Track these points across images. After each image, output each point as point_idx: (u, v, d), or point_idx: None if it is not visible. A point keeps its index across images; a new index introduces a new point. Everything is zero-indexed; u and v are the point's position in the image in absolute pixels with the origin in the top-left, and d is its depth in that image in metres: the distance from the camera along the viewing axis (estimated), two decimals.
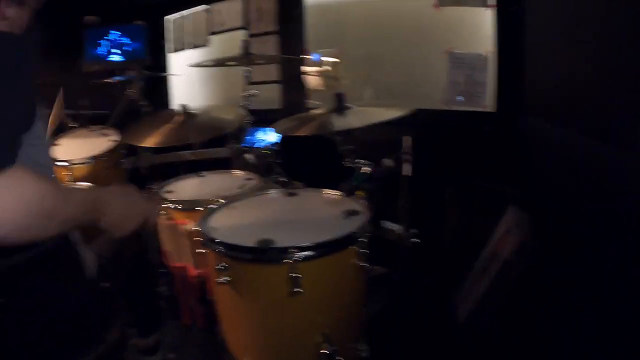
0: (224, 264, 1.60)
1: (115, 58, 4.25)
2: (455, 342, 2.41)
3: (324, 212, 1.89)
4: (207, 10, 4.43)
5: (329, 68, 3.64)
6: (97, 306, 1.58)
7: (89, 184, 2.78)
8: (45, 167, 1.41)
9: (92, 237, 1.73)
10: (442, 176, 3.17)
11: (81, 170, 3.03)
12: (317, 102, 3.69)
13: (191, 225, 2.08)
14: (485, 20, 3.11)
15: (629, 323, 1.33)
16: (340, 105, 2.08)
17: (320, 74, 3.68)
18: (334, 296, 1.68)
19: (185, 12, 4.68)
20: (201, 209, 2.09)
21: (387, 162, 1.78)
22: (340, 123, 1.97)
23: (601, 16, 1.67)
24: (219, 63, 3.01)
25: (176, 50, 4.83)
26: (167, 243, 2.31)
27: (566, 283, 1.93)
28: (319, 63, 3.67)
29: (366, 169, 1.99)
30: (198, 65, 3.14)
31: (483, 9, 3.10)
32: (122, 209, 1.36)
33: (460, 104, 3.22)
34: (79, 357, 1.41)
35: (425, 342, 2.41)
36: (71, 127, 3.63)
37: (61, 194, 1.17)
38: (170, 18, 4.85)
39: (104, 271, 1.66)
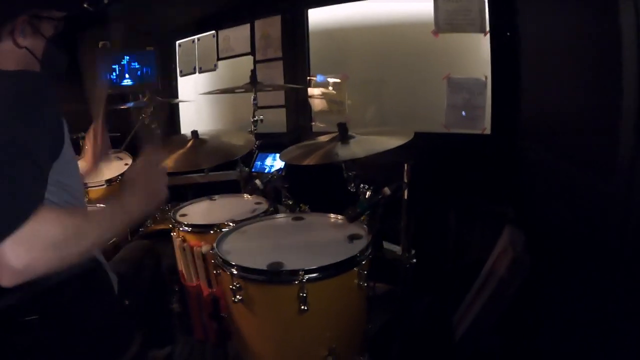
0: (237, 285, 1.74)
1: (127, 82, 4.42)
2: (454, 358, 2.53)
3: (328, 236, 2.04)
4: (215, 36, 4.58)
5: (333, 91, 3.79)
6: (121, 321, 1.73)
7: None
8: (75, 191, 1.52)
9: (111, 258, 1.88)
10: (443, 196, 3.29)
11: (96, 192, 3.17)
12: (322, 125, 3.84)
13: (205, 248, 2.24)
14: (483, 46, 3.25)
15: (618, 332, 1.43)
16: (343, 135, 2.22)
17: (325, 96, 3.83)
18: (338, 313, 1.82)
19: (194, 37, 4.82)
20: (213, 232, 2.24)
21: (386, 191, 1.91)
22: (344, 153, 2.11)
23: (587, 47, 1.78)
24: (228, 91, 3.14)
25: (185, 74, 4.96)
26: (181, 263, 2.46)
27: (559, 297, 2.03)
28: (324, 84, 3.82)
29: (368, 196, 2.12)
30: (209, 93, 3.28)
31: (481, 35, 3.26)
32: (145, 191, 1.47)
33: (460, 126, 3.35)
34: None
35: (425, 358, 2.53)
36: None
37: (83, 221, 1.25)
38: (180, 42, 5.00)
39: (125, 289, 1.81)
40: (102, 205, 2.23)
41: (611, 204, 1.51)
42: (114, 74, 4.42)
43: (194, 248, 2.30)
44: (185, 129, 4.95)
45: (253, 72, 3.06)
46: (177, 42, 4.99)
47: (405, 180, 1.98)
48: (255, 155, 3.05)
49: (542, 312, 2.24)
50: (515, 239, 2.61)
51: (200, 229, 2.33)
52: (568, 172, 2.02)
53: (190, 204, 2.76)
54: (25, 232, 1.06)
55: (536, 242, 2.48)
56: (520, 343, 2.36)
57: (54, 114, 1.33)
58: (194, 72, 4.84)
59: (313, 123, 3.93)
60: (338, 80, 3.76)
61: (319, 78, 3.86)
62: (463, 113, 3.32)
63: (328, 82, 3.81)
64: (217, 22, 4.55)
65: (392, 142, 2.10)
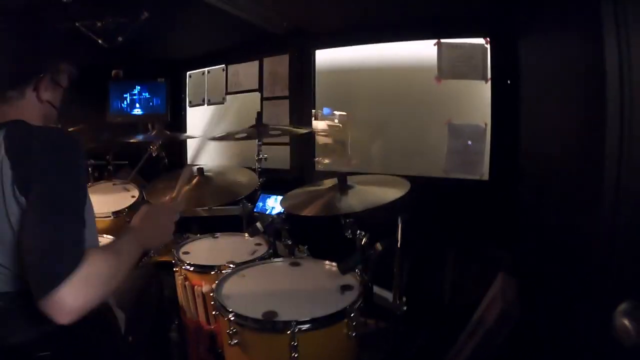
0: (234, 329, 1.84)
1: (137, 112, 4.55)
2: None
3: (322, 284, 2.13)
4: (225, 70, 4.71)
5: (338, 124, 3.89)
6: (127, 354, 1.83)
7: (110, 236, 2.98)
8: (90, 226, 1.64)
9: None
10: (440, 240, 3.38)
11: (103, 223, 3.27)
12: (326, 162, 3.95)
13: (205, 288, 2.34)
14: (484, 92, 3.36)
15: None
16: (342, 186, 2.33)
17: (329, 132, 3.94)
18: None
19: (204, 70, 4.95)
20: (214, 272, 2.35)
21: (378, 246, 2.02)
22: (342, 205, 2.21)
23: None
24: (235, 136, 3.23)
25: (194, 105, 5.09)
26: (182, 298, 2.55)
27: (550, 343, 2.09)
28: (329, 117, 3.93)
29: (363, 243, 2.21)
30: (216, 139, 3.36)
31: (482, 82, 3.37)
32: (156, 226, 1.62)
33: (459, 172, 3.45)
34: None
35: None
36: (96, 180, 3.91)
37: (115, 254, 1.40)
38: (190, 73, 5.12)
39: (130, 326, 1.91)
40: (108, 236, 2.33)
41: (596, 248, 1.57)
42: (125, 102, 4.55)
43: (195, 287, 2.40)
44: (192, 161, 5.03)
45: (259, 115, 3.17)
46: (188, 74, 5.11)
47: (399, 236, 2.08)
48: (258, 195, 3.15)
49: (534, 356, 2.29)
50: (506, 288, 2.69)
51: (202, 269, 2.42)
52: (560, 217, 2.09)
53: (193, 241, 2.86)
54: (79, 275, 1.20)
55: (528, 288, 2.56)
56: None
57: (83, 163, 1.46)
58: (203, 104, 4.96)
59: (316, 159, 4.04)
60: (344, 113, 3.86)
61: (325, 111, 3.96)
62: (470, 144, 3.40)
63: (334, 115, 3.92)
64: (228, 56, 4.68)
65: (389, 195, 2.20)
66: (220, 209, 3.21)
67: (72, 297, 1.19)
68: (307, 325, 1.76)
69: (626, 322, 0.87)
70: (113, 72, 4.60)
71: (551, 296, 2.11)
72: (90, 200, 1.53)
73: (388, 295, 2.27)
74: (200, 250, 2.73)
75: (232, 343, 1.85)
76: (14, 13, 1.51)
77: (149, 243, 1.60)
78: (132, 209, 3.39)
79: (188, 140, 4.98)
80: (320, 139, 4.01)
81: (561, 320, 1.94)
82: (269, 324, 1.79)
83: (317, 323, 1.79)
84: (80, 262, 1.22)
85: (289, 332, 1.74)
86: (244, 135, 3.18)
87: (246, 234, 2.71)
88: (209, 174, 3.03)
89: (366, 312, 2.11)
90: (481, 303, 2.82)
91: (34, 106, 1.56)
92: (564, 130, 2.15)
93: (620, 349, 0.96)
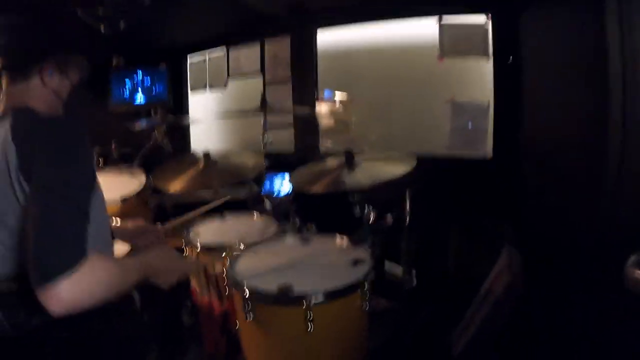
0: (249, 305, 1.87)
1: (139, 100, 4.56)
2: None
3: (333, 259, 2.16)
4: (226, 55, 4.71)
5: (340, 108, 3.91)
6: (141, 337, 1.86)
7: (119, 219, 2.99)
8: (98, 223, 1.65)
9: None
10: (446, 216, 3.41)
11: (111, 209, 3.28)
12: (329, 144, 3.96)
13: (218, 267, 2.36)
14: (486, 70, 3.38)
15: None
16: (350, 162, 2.35)
17: (332, 114, 3.95)
18: (342, 333, 1.95)
19: (206, 56, 4.95)
20: (225, 252, 2.37)
21: (389, 219, 2.04)
22: (350, 181, 2.23)
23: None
24: (240, 114, 3.25)
25: (196, 90, 5.09)
26: (194, 280, 2.58)
27: (555, 313, 2.13)
28: (331, 100, 3.94)
29: (372, 219, 2.24)
30: (220, 116, 3.38)
31: (484, 59, 3.38)
32: (165, 268, 1.69)
33: (462, 149, 3.47)
34: None
35: None
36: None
37: (121, 268, 1.46)
38: (191, 59, 5.12)
39: (145, 305, 1.95)
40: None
41: (598, 219, 1.60)
42: (127, 91, 4.56)
43: (207, 268, 2.42)
44: (195, 146, 5.07)
45: (263, 96, 3.17)
46: (189, 60, 5.11)
47: (407, 208, 2.11)
48: (264, 176, 3.16)
49: (540, 329, 2.33)
50: (512, 261, 2.72)
51: (213, 250, 2.44)
52: (563, 192, 2.12)
53: (202, 222, 2.87)
54: (80, 274, 1.23)
55: (533, 260, 2.59)
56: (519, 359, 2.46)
57: (90, 154, 1.47)
58: (205, 89, 4.97)
59: (320, 142, 4.05)
60: (345, 96, 3.88)
61: (326, 94, 3.98)
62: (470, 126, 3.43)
63: (334, 97, 3.93)
64: (228, 40, 4.68)
65: (396, 169, 2.22)
66: (227, 192, 3.22)
67: (68, 292, 1.21)
68: (322, 298, 1.80)
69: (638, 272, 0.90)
70: (114, 60, 4.60)
71: (557, 268, 2.13)
72: (101, 193, 1.56)
73: (398, 270, 2.31)
74: (210, 230, 2.74)
75: (247, 319, 1.88)
76: None
77: (151, 275, 1.63)
78: (140, 195, 3.42)
79: (191, 125, 4.99)
80: (323, 122, 4.02)
81: (567, 292, 1.97)
82: (285, 297, 1.82)
83: (332, 295, 1.82)
84: (82, 261, 1.24)
85: (304, 305, 1.77)
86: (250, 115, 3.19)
87: (255, 213, 2.73)
88: (214, 158, 3.04)
89: (377, 289, 2.15)
90: (488, 276, 2.86)
91: (39, 91, 1.56)
92: (566, 108, 2.18)
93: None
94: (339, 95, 3.90)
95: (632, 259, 0.93)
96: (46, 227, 1.25)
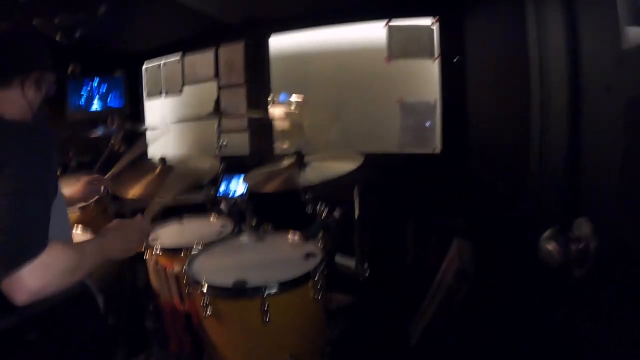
0: (207, 301, 1.97)
1: (96, 107, 4.59)
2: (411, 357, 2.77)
3: (287, 254, 2.28)
4: (181, 61, 4.76)
5: (295, 110, 4.00)
6: (107, 337, 1.93)
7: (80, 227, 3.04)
8: (63, 218, 1.72)
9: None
10: (399, 211, 3.55)
11: (72, 217, 3.32)
12: (284, 146, 4.06)
13: (177, 268, 2.44)
14: (433, 70, 3.54)
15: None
16: (300, 162, 2.45)
17: (287, 116, 4.05)
18: (297, 323, 2.06)
19: (160, 62, 4.98)
20: (184, 253, 2.45)
21: (336, 214, 2.16)
22: (301, 179, 2.33)
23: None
24: (195, 119, 3.31)
25: (152, 96, 5.11)
26: (155, 283, 2.65)
27: (504, 297, 2.26)
28: (286, 103, 4.03)
29: (324, 216, 2.35)
30: (177, 121, 3.44)
31: (430, 60, 3.54)
32: (123, 242, 1.72)
33: (412, 147, 3.62)
34: None
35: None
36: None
37: (80, 254, 1.49)
38: (146, 67, 5.14)
39: (109, 307, 2.01)
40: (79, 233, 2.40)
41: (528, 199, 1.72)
42: (83, 98, 4.58)
43: (167, 269, 2.51)
44: (152, 152, 5.08)
45: (217, 101, 3.25)
46: (144, 67, 5.14)
47: (356, 202, 2.23)
48: (220, 179, 3.25)
49: (492, 311, 2.46)
50: (462, 250, 2.88)
51: (171, 252, 2.52)
52: (501, 181, 2.26)
53: (161, 226, 2.95)
54: (41, 260, 1.29)
55: (482, 250, 2.74)
56: (476, 339, 2.60)
57: (55, 157, 1.55)
58: (160, 95, 5.00)
59: (275, 145, 4.15)
60: (300, 98, 3.98)
61: (281, 97, 4.07)
62: (427, 124, 3.57)
63: (290, 100, 4.03)
64: (184, 47, 4.73)
65: (344, 167, 2.33)
66: (185, 197, 3.28)
67: (31, 279, 1.27)
68: (276, 290, 1.91)
69: (549, 246, 1.02)
70: (70, 68, 4.60)
71: (503, 258, 2.26)
72: (61, 194, 1.62)
73: (350, 263, 2.41)
74: (169, 234, 2.82)
75: (207, 315, 1.97)
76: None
77: (112, 254, 1.68)
78: (99, 202, 3.46)
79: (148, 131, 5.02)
80: (278, 125, 4.12)
81: (513, 277, 2.09)
82: (240, 291, 1.93)
83: (285, 286, 1.93)
84: (42, 249, 1.31)
85: (259, 297, 1.88)
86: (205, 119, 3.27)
87: (211, 216, 2.80)
88: (170, 163, 3.10)
89: (332, 283, 2.27)
90: (441, 267, 3.01)
91: (16, 99, 1.61)
92: (501, 105, 2.33)
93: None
94: (294, 97, 4.00)
95: (546, 233, 1.04)
96: (10, 217, 1.32)
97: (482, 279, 2.61)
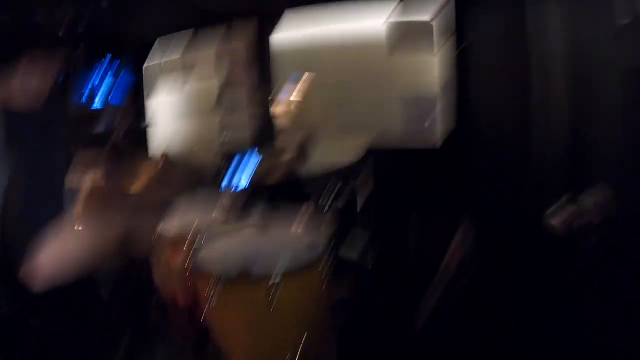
0: (212, 290, 1.98)
1: (98, 105, 4.57)
2: (416, 346, 2.78)
3: (291, 244, 2.28)
4: (183, 57, 4.76)
5: (296, 106, 3.99)
6: (111, 325, 1.95)
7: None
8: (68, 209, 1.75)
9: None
10: (404, 204, 3.55)
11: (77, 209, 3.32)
12: (287, 141, 4.05)
13: (180, 260, 2.45)
14: (434, 65, 3.54)
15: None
16: (303, 155, 2.46)
17: (289, 110, 4.03)
18: (302, 312, 2.08)
19: (163, 58, 4.95)
20: (187, 244, 2.45)
21: (340, 205, 2.18)
22: (304, 172, 2.34)
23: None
24: (197, 115, 3.30)
25: (154, 92, 5.10)
26: (158, 275, 2.67)
27: (508, 286, 2.27)
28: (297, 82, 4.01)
29: (326, 208, 2.36)
30: (180, 115, 3.43)
31: (432, 56, 3.53)
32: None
33: (414, 141, 3.61)
34: None
35: (389, 347, 2.78)
36: None
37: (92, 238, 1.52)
38: (148, 62, 5.13)
39: (114, 296, 2.03)
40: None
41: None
42: (85, 94, 4.57)
43: (170, 260, 2.51)
44: (154, 148, 5.06)
45: (220, 96, 3.25)
46: (146, 63, 5.12)
47: (359, 193, 2.25)
48: (223, 174, 3.25)
49: (496, 299, 2.49)
50: (465, 239, 2.89)
51: (175, 242, 2.52)
52: (502, 173, 2.27)
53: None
54: (56, 247, 1.31)
55: (485, 238, 2.75)
56: (479, 326, 2.61)
57: (62, 148, 1.56)
58: (163, 91, 4.94)
59: (277, 139, 4.12)
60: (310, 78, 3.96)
61: (293, 77, 4.03)
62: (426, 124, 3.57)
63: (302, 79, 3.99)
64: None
65: (347, 159, 2.34)
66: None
67: (47, 267, 1.32)
68: (282, 277, 1.92)
69: (553, 221, 1.03)
70: (71, 63, 4.58)
71: (506, 246, 2.27)
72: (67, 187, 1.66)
73: (354, 253, 2.42)
74: (172, 225, 2.79)
75: (212, 304, 1.98)
76: None
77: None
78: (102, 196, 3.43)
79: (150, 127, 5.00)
80: (280, 119, 4.10)
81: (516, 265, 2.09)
82: (246, 279, 1.94)
83: (291, 274, 1.95)
84: (56, 236, 1.35)
85: (265, 285, 1.90)
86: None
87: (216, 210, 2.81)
88: (173, 158, 3.09)
89: (336, 272, 2.27)
90: (445, 256, 3.02)
91: (23, 91, 1.63)
92: (502, 97, 2.33)
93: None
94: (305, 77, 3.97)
95: (549, 210, 1.06)
96: (20, 210, 1.34)
97: (487, 265, 2.62)
